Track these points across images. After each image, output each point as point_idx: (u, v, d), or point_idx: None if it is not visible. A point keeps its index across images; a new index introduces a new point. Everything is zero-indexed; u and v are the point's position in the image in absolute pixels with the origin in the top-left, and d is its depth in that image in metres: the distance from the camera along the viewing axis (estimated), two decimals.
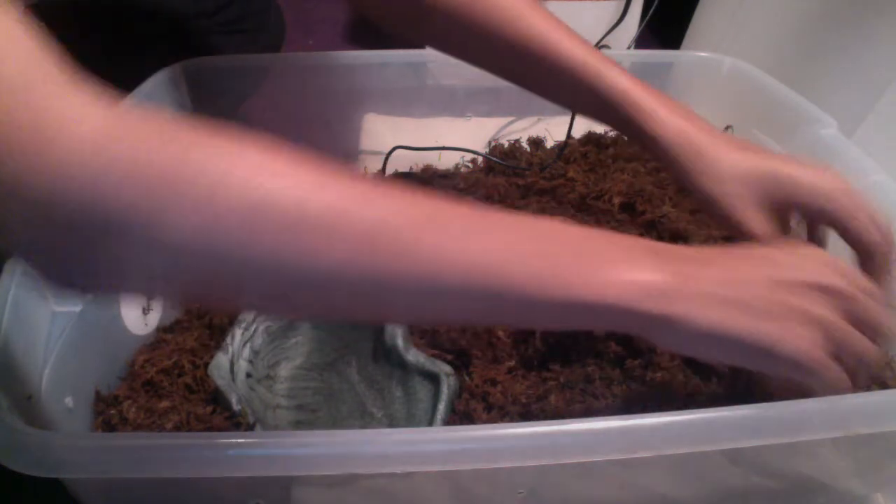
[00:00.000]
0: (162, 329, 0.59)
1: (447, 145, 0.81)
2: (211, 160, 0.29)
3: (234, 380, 0.52)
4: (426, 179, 0.77)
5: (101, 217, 0.27)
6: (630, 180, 0.73)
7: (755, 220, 0.45)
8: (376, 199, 0.32)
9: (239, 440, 0.37)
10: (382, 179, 0.33)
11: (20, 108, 0.26)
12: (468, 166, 0.82)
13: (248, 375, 0.54)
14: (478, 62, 0.57)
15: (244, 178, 0.29)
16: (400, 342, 0.53)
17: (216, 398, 0.51)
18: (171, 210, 0.28)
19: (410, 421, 0.52)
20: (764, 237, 0.45)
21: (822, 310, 0.36)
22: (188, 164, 0.28)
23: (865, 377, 0.39)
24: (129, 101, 0.63)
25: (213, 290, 0.32)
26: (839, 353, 0.37)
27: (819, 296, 0.36)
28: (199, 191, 0.28)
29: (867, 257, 0.44)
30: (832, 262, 0.39)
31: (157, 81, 0.67)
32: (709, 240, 0.64)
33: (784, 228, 0.48)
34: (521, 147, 0.83)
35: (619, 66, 0.50)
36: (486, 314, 0.38)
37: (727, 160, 0.46)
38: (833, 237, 0.47)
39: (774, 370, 0.37)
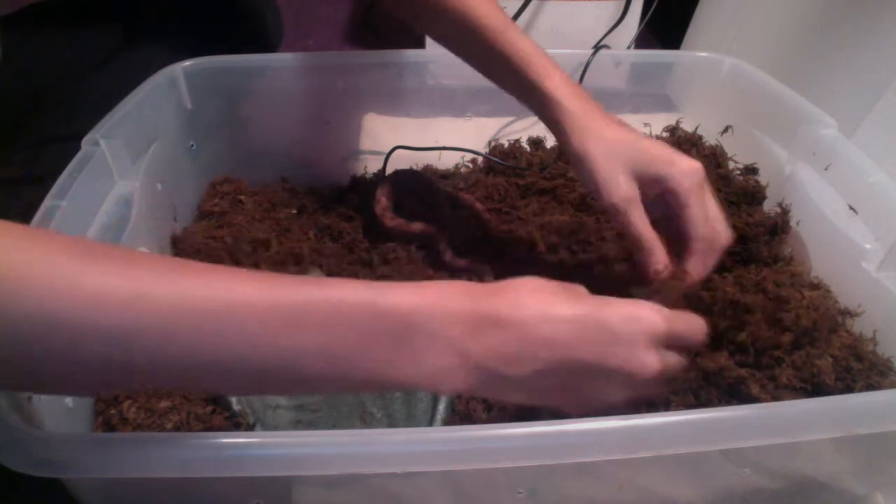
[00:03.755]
0: None
1: (447, 145, 0.81)
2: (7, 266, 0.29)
3: None
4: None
5: None
6: None
7: (618, 180, 0.51)
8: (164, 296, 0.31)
9: (239, 440, 0.37)
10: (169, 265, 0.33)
11: None
12: (468, 166, 0.82)
13: None
14: (429, 32, 0.66)
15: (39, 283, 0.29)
16: None
17: (216, 398, 0.51)
18: None
19: (410, 421, 0.52)
20: (622, 199, 0.51)
21: (605, 395, 0.39)
22: None
23: None
24: (129, 101, 0.63)
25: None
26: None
27: (604, 381, 0.38)
28: None
29: (691, 248, 0.51)
30: (643, 341, 0.38)
31: (156, 82, 0.67)
32: None
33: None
34: (521, 147, 0.83)
35: (529, 39, 0.56)
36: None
37: (608, 128, 0.53)
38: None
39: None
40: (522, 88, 0.56)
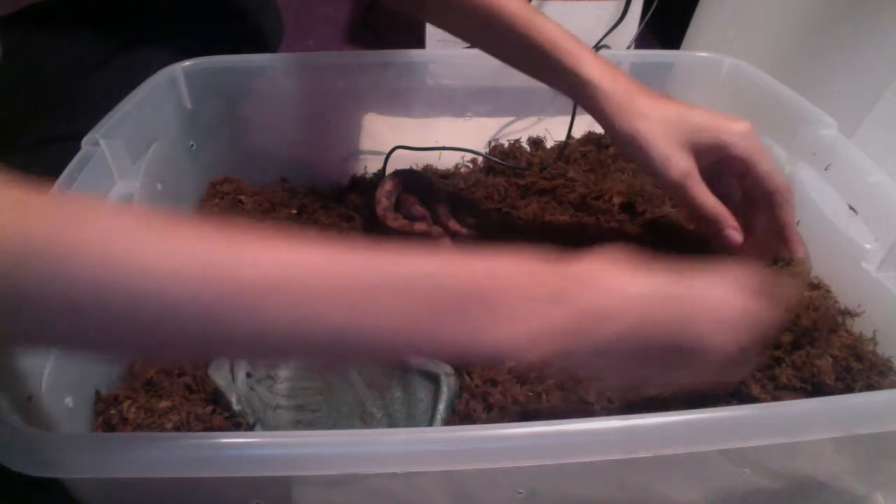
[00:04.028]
0: None
1: (447, 145, 0.81)
2: (60, 234, 0.28)
3: (234, 380, 0.52)
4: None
5: None
6: (630, 180, 0.73)
7: (672, 156, 0.50)
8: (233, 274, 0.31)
9: (239, 440, 0.37)
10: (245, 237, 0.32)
11: None
12: (468, 166, 0.82)
13: (248, 375, 0.54)
14: (440, 24, 0.64)
15: (94, 251, 0.29)
16: None
17: (216, 398, 0.51)
18: (33, 283, 0.28)
19: (410, 421, 0.52)
20: (680, 174, 0.50)
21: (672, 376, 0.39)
22: (36, 241, 0.28)
23: None
24: (129, 101, 0.63)
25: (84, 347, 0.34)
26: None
27: (677, 358, 0.37)
28: (51, 266, 0.28)
29: (774, 202, 0.51)
30: (721, 319, 0.37)
31: (156, 82, 0.67)
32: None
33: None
34: (521, 147, 0.83)
35: (555, 23, 0.55)
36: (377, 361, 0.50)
37: (652, 105, 0.51)
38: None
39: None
40: (552, 73, 0.54)
